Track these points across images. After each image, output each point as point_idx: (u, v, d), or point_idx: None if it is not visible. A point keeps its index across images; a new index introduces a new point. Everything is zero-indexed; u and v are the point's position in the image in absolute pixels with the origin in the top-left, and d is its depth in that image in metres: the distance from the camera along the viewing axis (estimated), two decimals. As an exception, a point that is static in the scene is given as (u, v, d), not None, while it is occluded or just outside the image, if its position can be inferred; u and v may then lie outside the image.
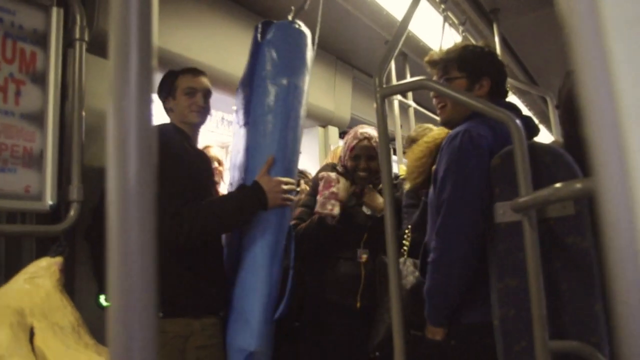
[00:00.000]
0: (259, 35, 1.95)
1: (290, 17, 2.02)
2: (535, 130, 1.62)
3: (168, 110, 1.92)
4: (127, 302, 0.39)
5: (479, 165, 1.45)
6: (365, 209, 2.17)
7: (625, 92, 0.33)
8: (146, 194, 0.41)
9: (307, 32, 1.98)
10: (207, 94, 1.93)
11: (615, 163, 0.33)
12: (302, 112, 1.94)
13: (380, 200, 2.13)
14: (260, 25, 1.98)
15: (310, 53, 1.98)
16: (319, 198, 2.06)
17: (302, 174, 2.68)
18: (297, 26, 1.96)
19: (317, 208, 2.04)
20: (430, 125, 2.50)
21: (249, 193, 1.76)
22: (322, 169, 2.30)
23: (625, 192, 0.32)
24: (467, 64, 1.66)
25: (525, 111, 2.83)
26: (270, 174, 1.81)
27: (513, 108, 1.61)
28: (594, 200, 0.35)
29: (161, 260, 1.47)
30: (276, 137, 1.84)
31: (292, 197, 1.87)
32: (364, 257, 2.11)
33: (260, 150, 1.85)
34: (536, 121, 1.68)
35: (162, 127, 1.83)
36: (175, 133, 1.83)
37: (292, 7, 2.05)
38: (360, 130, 2.21)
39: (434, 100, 1.74)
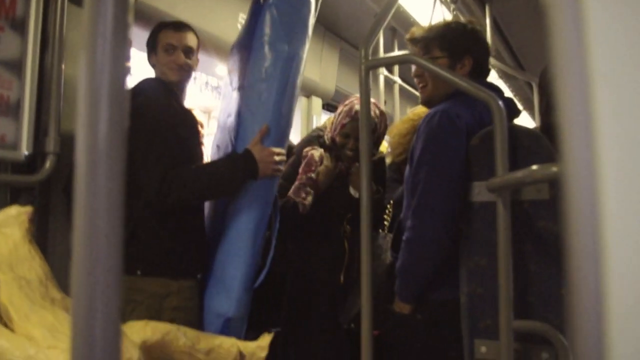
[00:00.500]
0: None
1: None
2: (516, 112, 1.62)
3: (153, 66, 1.88)
4: (92, 259, 0.39)
5: (456, 145, 1.46)
6: (352, 191, 2.11)
7: (599, 78, 0.33)
8: (116, 150, 0.40)
9: None
10: (188, 51, 1.85)
11: (583, 149, 0.33)
12: (299, 81, 1.90)
13: None
14: None
15: (312, 20, 1.93)
16: (296, 182, 2.03)
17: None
18: None
19: (291, 192, 2.01)
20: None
21: (240, 161, 1.75)
22: (309, 139, 2.25)
23: (590, 178, 0.33)
24: (448, 42, 1.64)
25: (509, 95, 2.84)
26: (263, 143, 1.79)
27: (495, 89, 1.61)
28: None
29: (142, 220, 1.48)
30: (271, 105, 1.80)
31: (281, 167, 1.86)
32: (349, 234, 2.10)
33: (253, 117, 1.82)
34: (518, 104, 1.68)
35: (146, 83, 1.80)
36: (160, 89, 1.80)
37: None
38: (357, 108, 2.11)
39: (415, 80, 1.73)
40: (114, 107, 0.41)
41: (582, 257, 0.34)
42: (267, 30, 1.82)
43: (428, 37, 1.67)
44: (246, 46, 1.87)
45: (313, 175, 2.02)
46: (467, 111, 1.50)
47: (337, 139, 2.11)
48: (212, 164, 1.84)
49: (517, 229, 1.29)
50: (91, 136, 0.40)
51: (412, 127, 1.97)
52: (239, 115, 1.86)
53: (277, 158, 1.80)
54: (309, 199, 1.99)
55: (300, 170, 2.05)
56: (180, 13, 2.39)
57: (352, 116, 2.07)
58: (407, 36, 1.73)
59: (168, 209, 1.68)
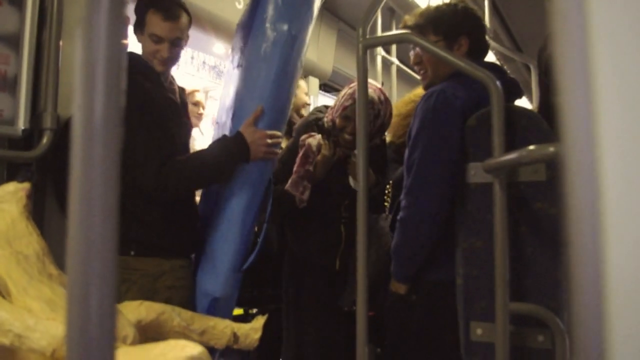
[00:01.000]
0: None
1: None
2: (517, 93, 1.63)
3: (138, 40, 1.80)
4: (87, 237, 0.39)
5: (452, 125, 1.45)
6: (351, 182, 2.05)
7: (600, 58, 0.33)
8: (112, 128, 0.40)
9: None
10: (176, 41, 1.75)
11: (583, 130, 0.33)
12: (300, 64, 1.86)
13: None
14: None
15: (318, 1, 1.87)
16: (293, 174, 2.00)
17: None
18: None
19: (288, 186, 1.98)
20: None
21: (231, 145, 1.73)
22: (307, 122, 2.19)
23: (590, 158, 0.33)
24: (441, 25, 1.64)
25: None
26: (258, 125, 1.76)
27: (497, 69, 1.60)
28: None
29: (135, 200, 1.47)
30: (268, 86, 1.76)
31: (276, 150, 1.84)
32: (347, 219, 2.06)
33: (249, 98, 1.79)
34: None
35: (135, 59, 1.75)
36: (146, 72, 1.74)
37: None
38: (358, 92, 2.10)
39: (416, 68, 1.73)
40: (111, 83, 0.41)
41: (582, 239, 0.34)
42: (269, 9, 1.77)
43: (421, 23, 1.66)
44: (248, 25, 1.83)
45: (310, 168, 2.00)
46: (464, 91, 1.49)
47: (337, 121, 2.04)
48: (205, 151, 1.81)
49: (513, 211, 1.29)
50: (87, 113, 0.40)
51: (413, 109, 1.96)
52: (236, 94, 1.83)
53: (269, 141, 1.76)
54: (307, 193, 1.98)
55: (298, 161, 2.01)
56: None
57: (354, 98, 1.99)
58: (401, 25, 1.72)
59: (168, 200, 1.69)
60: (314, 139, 2.04)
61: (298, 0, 1.81)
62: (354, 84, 2.03)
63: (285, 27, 1.76)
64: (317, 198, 2.04)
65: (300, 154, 2.02)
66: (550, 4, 0.37)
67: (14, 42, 1.69)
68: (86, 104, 0.40)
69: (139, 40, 1.78)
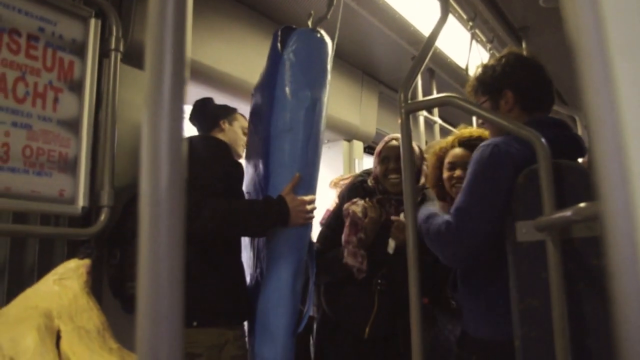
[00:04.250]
0: (279, 44, 1.91)
1: (310, 24, 2.00)
2: (580, 150, 1.56)
3: (217, 127, 2.04)
4: (155, 309, 0.41)
5: (503, 177, 1.44)
6: (390, 246, 2.01)
7: (630, 114, 0.34)
8: (177, 202, 0.43)
9: (328, 41, 1.94)
10: None
11: (619, 188, 0.33)
12: (323, 126, 1.93)
13: None
14: (279, 32, 1.94)
15: (330, 64, 1.95)
16: (346, 244, 1.96)
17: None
18: (318, 35, 1.92)
19: (347, 258, 1.93)
20: None
21: (274, 206, 1.78)
22: (353, 186, 2.20)
23: (628, 217, 0.33)
24: (485, 84, 1.64)
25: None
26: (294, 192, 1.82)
27: (560, 125, 1.57)
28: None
29: (196, 270, 1.52)
30: (298, 154, 1.84)
31: (313, 215, 1.89)
32: (382, 289, 2.02)
33: (282, 168, 1.85)
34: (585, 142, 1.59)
35: (222, 142, 1.94)
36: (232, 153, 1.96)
37: (312, 12, 2.03)
38: (389, 135, 2.15)
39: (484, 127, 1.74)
40: (174, 158, 0.44)
41: (625, 295, 0.34)
42: (288, 78, 1.85)
43: (474, 84, 1.68)
44: (268, 93, 1.90)
45: (362, 235, 1.96)
46: (518, 146, 1.46)
47: (378, 169, 2.08)
48: (247, 201, 1.88)
49: (568, 268, 1.26)
50: (153, 187, 0.43)
51: (437, 160, 1.98)
52: (268, 165, 1.89)
53: (308, 207, 1.83)
54: (365, 262, 1.93)
55: (347, 231, 1.98)
56: (223, 66, 2.48)
57: (386, 140, 2.09)
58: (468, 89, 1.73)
59: (197, 236, 1.66)
60: (357, 206, 2.02)
61: (314, 66, 1.88)
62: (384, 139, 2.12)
63: (308, 93, 1.84)
64: None
65: (348, 223, 2.00)
66: (577, 60, 0.39)
67: (74, 125, 1.80)
68: (152, 177, 0.43)
69: (224, 128, 2.04)
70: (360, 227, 1.97)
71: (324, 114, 1.92)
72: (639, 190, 0.32)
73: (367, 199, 2.05)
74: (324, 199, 2.58)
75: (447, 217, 1.50)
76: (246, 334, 1.90)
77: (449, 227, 1.46)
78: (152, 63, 0.46)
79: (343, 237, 1.98)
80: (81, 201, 1.77)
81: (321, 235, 2.17)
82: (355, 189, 2.17)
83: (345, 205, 2.05)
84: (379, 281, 2.02)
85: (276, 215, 1.76)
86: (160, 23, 0.47)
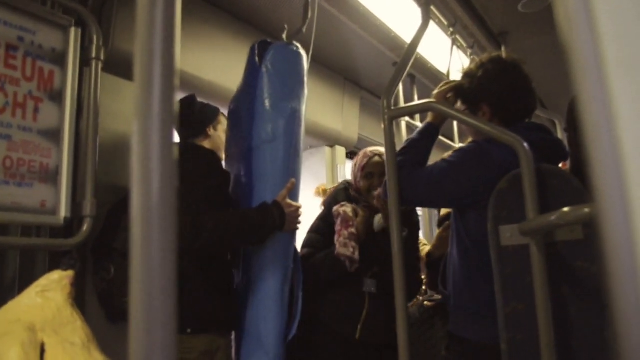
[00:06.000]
0: (256, 58, 1.97)
1: (284, 37, 2.04)
2: (563, 155, 1.58)
3: (204, 133, 2.04)
4: (148, 318, 0.41)
5: (483, 165, 1.47)
6: (377, 218, 2.04)
7: (625, 118, 0.34)
8: (168, 211, 0.43)
9: (304, 54, 1.99)
10: None
11: (615, 190, 0.34)
12: (302, 135, 1.96)
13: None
14: (256, 46, 1.99)
15: (306, 75, 1.99)
16: (338, 238, 1.99)
17: None
18: (294, 48, 1.96)
19: (339, 249, 1.95)
20: None
21: (272, 211, 1.79)
22: (336, 192, 2.23)
23: (625, 218, 0.34)
24: (463, 95, 1.67)
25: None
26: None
27: (542, 129, 1.58)
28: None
29: (189, 277, 1.52)
30: (280, 163, 1.86)
31: (301, 222, 1.91)
32: (373, 289, 2.03)
33: (266, 177, 1.88)
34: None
35: (213, 153, 1.94)
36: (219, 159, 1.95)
37: (285, 26, 2.06)
38: (370, 149, 2.16)
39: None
40: (165, 168, 0.44)
41: (625, 298, 0.34)
42: (267, 90, 1.89)
43: (455, 89, 1.70)
44: (248, 105, 1.94)
45: (354, 230, 1.99)
46: (499, 149, 1.47)
47: (361, 183, 2.10)
48: (244, 210, 1.87)
49: (552, 271, 1.27)
50: (145, 197, 0.43)
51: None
52: (251, 175, 1.91)
53: (300, 212, 1.87)
54: (357, 253, 1.95)
55: (339, 227, 2.01)
56: (206, 74, 2.48)
57: (369, 155, 2.10)
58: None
59: (198, 251, 1.69)
60: (347, 207, 2.06)
61: (292, 79, 1.93)
62: (362, 151, 2.17)
63: (287, 105, 1.88)
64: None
65: (339, 221, 2.02)
66: (571, 63, 0.39)
67: (55, 135, 1.77)
68: (143, 187, 0.43)
69: (211, 134, 2.05)
70: (352, 224, 2.00)
71: (303, 124, 1.96)
72: (636, 195, 0.33)
73: (354, 205, 2.08)
74: (309, 207, 2.59)
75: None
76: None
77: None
78: (141, 73, 0.46)
79: (335, 236, 2.00)
80: (63, 212, 1.74)
81: (309, 240, 2.17)
82: (338, 194, 2.20)
83: (335, 208, 2.08)
84: (370, 281, 2.03)
85: (273, 221, 1.77)
86: (149, 32, 0.46)
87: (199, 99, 2.13)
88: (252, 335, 1.80)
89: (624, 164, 0.34)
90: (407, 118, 3.35)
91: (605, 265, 0.36)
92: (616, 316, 0.35)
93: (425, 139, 1.64)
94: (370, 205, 2.08)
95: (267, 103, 1.88)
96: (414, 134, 1.67)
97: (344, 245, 1.95)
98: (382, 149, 2.02)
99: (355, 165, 2.16)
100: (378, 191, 1.94)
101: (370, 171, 2.09)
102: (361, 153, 2.17)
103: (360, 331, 1.99)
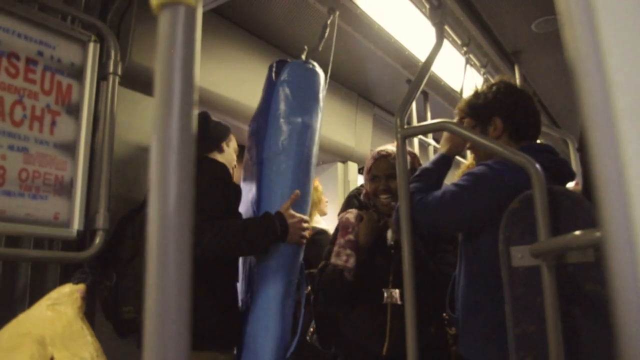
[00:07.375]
0: (273, 75, 2.02)
1: (303, 57, 2.09)
2: (569, 176, 1.58)
3: (218, 148, 2.06)
4: (162, 331, 0.41)
5: (493, 186, 1.46)
6: (388, 236, 1.95)
7: (630, 141, 0.34)
8: (185, 226, 0.43)
9: (320, 72, 2.02)
10: None
11: (620, 216, 0.34)
12: (315, 150, 1.97)
13: None
14: (274, 64, 2.04)
15: (323, 93, 2.02)
16: (333, 247, 1.92)
17: None
18: (310, 66, 2.00)
19: (332, 259, 1.88)
20: None
21: (273, 221, 1.78)
22: (348, 200, 2.21)
23: (630, 243, 0.34)
24: (475, 110, 1.66)
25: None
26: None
27: (549, 150, 1.58)
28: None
29: (193, 294, 1.49)
30: (289, 175, 1.88)
31: (307, 235, 1.89)
32: (396, 300, 1.88)
33: (273, 188, 1.89)
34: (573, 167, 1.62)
35: (224, 166, 1.94)
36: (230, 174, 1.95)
37: (305, 47, 2.11)
38: (378, 148, 2.03)
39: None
40: (183, 181, 0.45)
41: (630, 321, 0.34)
42: (281, 105, 1.94)
43: (464, 108, 1.70)
44: (263, 119, 1.98)
45: (352, 236, 1.91)
46: (510, 171, 1.47)
47: (368, 187, 2.01)
48: (246, 219, 1.88)
49: (563, 293, 1.26)
50: (161, 212, 0.44)
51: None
52: (260, 187, 1.93)
53: (305, 225, 1.85)
54: (351, 260, 1.85)
55: (338, 235, 1.95)
56: (224, 90, 2.51)
57: (374, 156, 2.00)
58: (455, 111, 1.76)
59: (199, 257, 1.62)
60: (351, 213, 1.99)
61: (306, 94, 1.96)
62: (371, 151, 2.15)
63: (299, 119, 1.91)
64: (360, 277, 1.91)
65: (339, 228, 1.99)
66: (578, 87, 0.39)
67: (71, 149, 1.80)
68: (160, 199, 0.44)
69: (223, 149, 2.08)
70: (350, 230, 1.92)
71: (316, 139, 1.97)
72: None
73: (365, 210, 2.03)
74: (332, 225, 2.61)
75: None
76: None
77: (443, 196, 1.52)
78: (161, 89, 0.47)
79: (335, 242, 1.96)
80: (76, 224, 1.76)
81: (327, 252, 2.11)
82: (349, 202, 2.18)
83: (340, 215, 2.04)
84: (391, 290, 1.89)
85: (276, 230, 1.76)
86: (169, 50, 0.47)
87: (215, 115, 2.17)
88: (250, 349, 1.79)
89: (629, 187, 0.34)
90: (420, 135, 3.35)
91: (611, 288, 0.36)
92: (620, 337, 0.35)
93: (439, 169, 1.66)
94: (377, 209, 2.01)
95: (279, 116, 1.92)
96: (428, 164, 1.69)
97: (337, 255, 1.87)
98: (390, 148, 1.99)
99: (364, 168, 2.11)
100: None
101: (375, 174, 1.98)
102: (370, 154, 2.10)
103: (387, 347, 1.86)
